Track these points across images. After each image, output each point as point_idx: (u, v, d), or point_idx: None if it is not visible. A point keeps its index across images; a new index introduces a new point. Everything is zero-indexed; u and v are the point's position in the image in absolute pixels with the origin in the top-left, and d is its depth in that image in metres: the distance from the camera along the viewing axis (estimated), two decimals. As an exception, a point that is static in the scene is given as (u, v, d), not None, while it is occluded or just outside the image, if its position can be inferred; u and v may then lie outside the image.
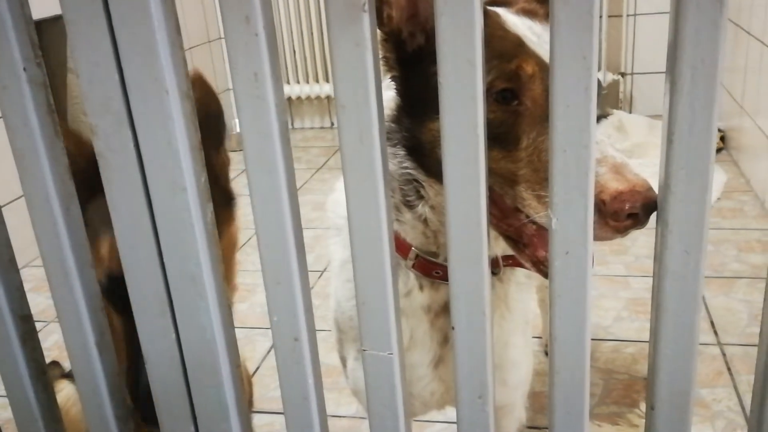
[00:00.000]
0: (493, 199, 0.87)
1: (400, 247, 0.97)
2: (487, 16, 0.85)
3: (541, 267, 0.87)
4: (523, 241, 0.88)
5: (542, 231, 0.84)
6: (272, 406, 1.82)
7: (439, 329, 1.03)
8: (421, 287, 1.00)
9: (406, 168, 0.92)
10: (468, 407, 0.73)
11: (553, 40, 0.58)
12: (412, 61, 0.88)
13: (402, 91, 0.92)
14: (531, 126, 0.82)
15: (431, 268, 0.98)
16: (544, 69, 0.80)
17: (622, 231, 0.76)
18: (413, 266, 0.98)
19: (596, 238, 0.76)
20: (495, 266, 1.00)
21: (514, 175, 0.83)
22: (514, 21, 0.88)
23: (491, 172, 0.83)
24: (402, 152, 0.92)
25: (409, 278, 0.99)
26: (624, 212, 0.73)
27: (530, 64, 0.82)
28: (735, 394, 1.75)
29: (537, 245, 0.87)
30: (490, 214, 0.87)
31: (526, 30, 0.87)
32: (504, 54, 0.83)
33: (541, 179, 0.80)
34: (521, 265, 0.96)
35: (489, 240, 0.67)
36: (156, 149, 0.66)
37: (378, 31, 0.85)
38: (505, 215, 0.88)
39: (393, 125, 0.92)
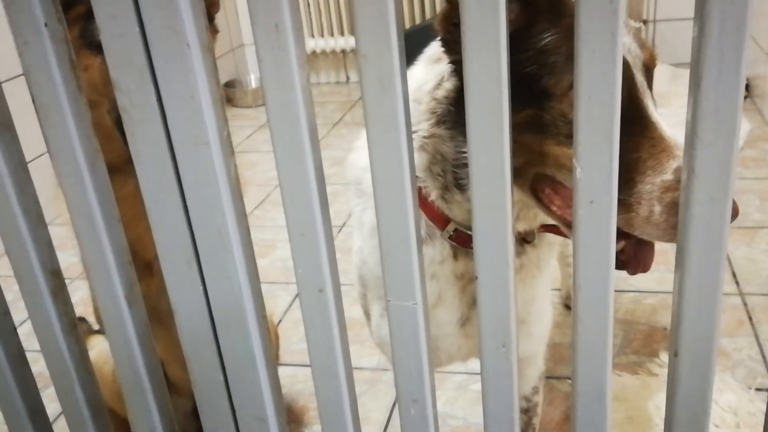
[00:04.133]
0: (557, 192, 0.88)
1: (439, 220, 0.98)
2: (564, 1, 0.83)
3: None
4: None
5: None
6: (295, 358, 1.85)
7: (470, 294, 1.04)
8: (455, 256, 1.01)
9: (463, 152, 0.91)
10: (492, 356, 0.74)
11: (578, -16, 0.57)
12: None
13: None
14: None
15: (470, 240, 0.99)
16: (627, 76, 0.76)
17: None
18: (451, 238, 0.99)
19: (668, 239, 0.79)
20: (531, 236, 1.02)
21: None
22: None
23: (565, 168, 0.83)
24: (461, 138, 0.91)
25: (445, 247, 1.01)
26: None
27: None
28: (756, 344, 1.75)
29: None
30: (553, 205, 0.88)
31: None
32: None
33: None
34: (553, 231, 0.98)
35: (513, 191, 0.67)
36: (179, 103, 0.66)
37: (447, 12, 0.83)
38: (567, 204, 0.87)
39: (452, 108, 0.91)
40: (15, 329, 0.93)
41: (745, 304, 1.90)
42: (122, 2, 0.63)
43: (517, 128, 0.63)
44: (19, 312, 0.90)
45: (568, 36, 0.80)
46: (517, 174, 0.66)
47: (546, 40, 0.81)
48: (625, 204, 0.78)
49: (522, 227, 0.99)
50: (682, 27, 3.57)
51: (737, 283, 1.98)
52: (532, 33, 0.82)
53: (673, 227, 0.77)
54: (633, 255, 0.86)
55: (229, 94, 4.02)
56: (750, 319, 1.84)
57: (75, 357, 0.88)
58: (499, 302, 0.71)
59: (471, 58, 0.61)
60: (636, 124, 0.78)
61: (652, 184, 0.78)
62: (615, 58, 0.58)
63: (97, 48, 0.97)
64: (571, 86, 0.78)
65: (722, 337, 1.78)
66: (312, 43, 4.05)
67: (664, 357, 1.74)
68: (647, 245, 0.85)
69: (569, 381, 0.75)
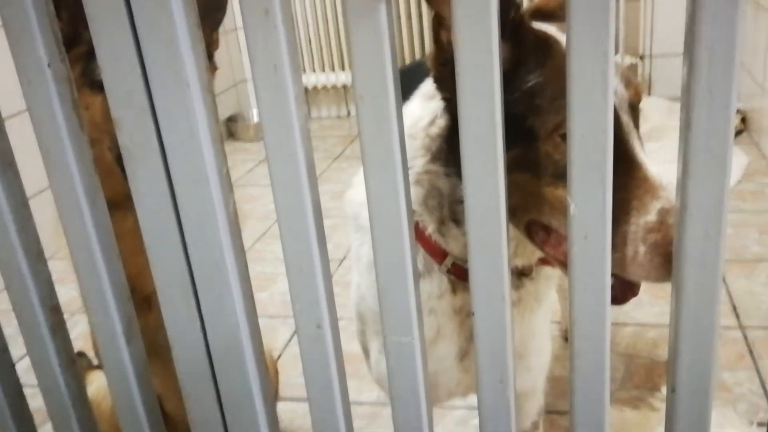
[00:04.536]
0: (550, 234, 0.89)
1: (436, 253, 0.99)
2: (551, 45, 0.85)
3: None
4: None
5: None
6: (295, 393, 1.84)
7: (469, 328, 1.04)
8: (454, 290, 1.01)
9: (458, 189, 0.92)
10: (489, 391, 0.74)
11: (569, 25, 0.58)
12: None
13: (455, 114, 0.92)
14: None
15: (468, 274, 1.00)
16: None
17: None
18: (449, 272, 0.99)
19: (664, 280, 0.78)
20: (528, 270, 1.02)
21: None
22: None
23: (554, 207, 0.85)
24: (455, 174, 0.92)
25: (443, 281, 1.01)
26: None
27: None
28: (757, 378, 1.74)
29: None
30: (546, 245, 0.90)
31: None
32: None
33: None
34: (552, 264, 0.98)
35: (509, 228, 0.68)
36: (179, 141, 0.67)
37: (436, 54, 0.85)
38: (560, 243, 0.89)
39: (444, 145, 0.92)
40: (13, 365, 0.93)
41: (746, 338, 1.89)
42: (124, 44, 0.64)
43: (506, 168, 0.65)
44: (18, 347, 0.90)
45: (553, 78, 0.82)
46: (512, 214, 0.67)
47: (532, 82, 0.83)
48: (611, 244, 0.80)
49: (520, 262, 1.00)
50: (678, 62, 3.60)
51: (737, 316, 1.98)
52: (519, 74, 0.83)
53: (658, 267, 0.78)
54: (620, 290, 0.87)
55: (231, 128, 4.05)
56: (751, 352, 1.83)
57: (73, 393, 0.88)
58: (496, 337, 0.72)
59: (465, 98, 0.63)
60: (622, 165, 0.80)
61: (637, 224, 0.80)
62: (606, 97, 0.60)
63: (98, 86, 0.99)
64: (554, 128, 0.80)
65: (723, 371, 1.77)
66: (313, 78, 4.10)
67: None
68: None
69: (568, 416, 0.74)
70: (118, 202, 0.93)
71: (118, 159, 0.72)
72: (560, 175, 0.81)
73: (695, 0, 0.56)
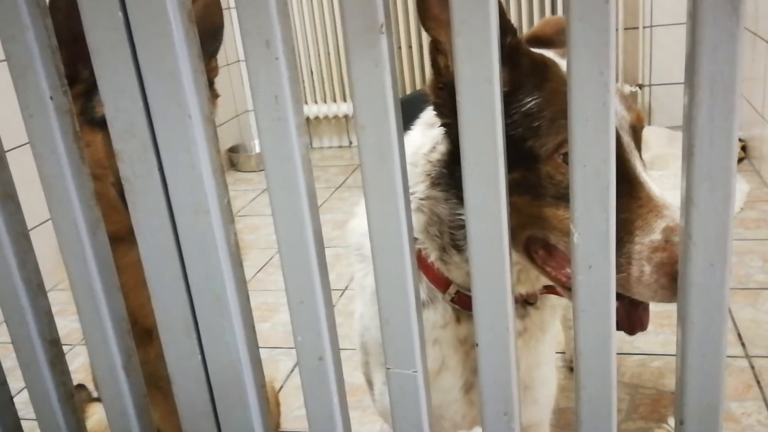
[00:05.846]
0: (551, 253, 0.88)
1: (440, 282, 0.98)
2: (548, 67, 0.86)
3: None
4: None
5: None
6: (296, 425, 1.82)
7: (474, 359, 1.03)
8: (458, 320, 1.00)
9: (459, 214, 0.92)
10: (494, 425, 0.73)
11: (569, 56, 0.58)
12: None
13: (455, 139, 0.92)
14: None
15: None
16: None
17: None
18: (453, 300, 0.98)
19: (670, 300, 0.77)
20: (533, 298, 1.01)
21: None
22: None
23: (556, 229, 0.84)
24: (454, 199, 0.92)
25: (447, 311, 1.00)
26: None
27: None
28: (765, 407, 1.72)
29: None
30: (547, 266, 0.89)
31: None
32: None
33: None
34: (555, 292, 0.97)
35: (511, 256, 0.67)
36: (180, 173, 0.67)
37: (434, 79, 0.86)
38: (562, 266, 0.88)
39: (444, 171, 0.92)
40: (11, 399, 0.92)
41: (753, 367, 1.87)
42: (126, 76, 0.64)
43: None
44: (16, 380, 0.89)
45: (551, 100, 0.82)
46: (511, 234, 0.67)
47: (530, 104, 0.83)
48: (616, 265, 0.79)
49: (524, 290, 0.99)
50: (678, 91, 3.63)
51: (743, 345, 1.96)
52: (517, 97, 0.84)
53: (664, 287, 0.77)
54: (626, 315, 0.86)
55: (233, 158, 4.07)
56: (758, 382, 1.81)
57: (71, 427, 0.87)
58: (501, 368, 0.71)
59: (466, 125, 0.62)
60: (624, 185, 0.79)
61: (642, 244, 0.79)
62: (608, 127, 0.59)
63: (98, 124, 0.99)
64: (555, 149, 0.80)
65: (730, 401, 1.74)
66: (315, 109, 4.13)
67: (673, 422, 1.71)
68: (640, 304, 0.84)
69: (574, 449, 0.73)
70: (122, 236, 0.93)
71: (122, 193, 0.72)
72: (562, 196, 0.81)
73: (695, 31, 0.57)
